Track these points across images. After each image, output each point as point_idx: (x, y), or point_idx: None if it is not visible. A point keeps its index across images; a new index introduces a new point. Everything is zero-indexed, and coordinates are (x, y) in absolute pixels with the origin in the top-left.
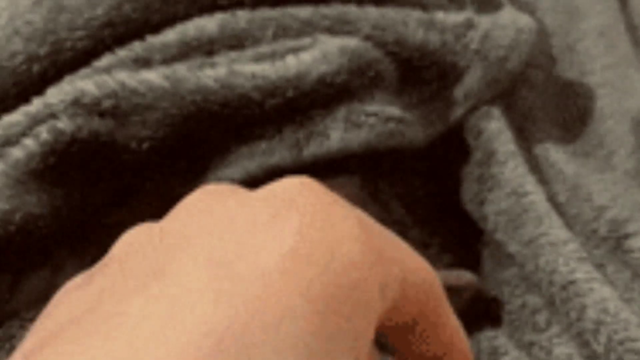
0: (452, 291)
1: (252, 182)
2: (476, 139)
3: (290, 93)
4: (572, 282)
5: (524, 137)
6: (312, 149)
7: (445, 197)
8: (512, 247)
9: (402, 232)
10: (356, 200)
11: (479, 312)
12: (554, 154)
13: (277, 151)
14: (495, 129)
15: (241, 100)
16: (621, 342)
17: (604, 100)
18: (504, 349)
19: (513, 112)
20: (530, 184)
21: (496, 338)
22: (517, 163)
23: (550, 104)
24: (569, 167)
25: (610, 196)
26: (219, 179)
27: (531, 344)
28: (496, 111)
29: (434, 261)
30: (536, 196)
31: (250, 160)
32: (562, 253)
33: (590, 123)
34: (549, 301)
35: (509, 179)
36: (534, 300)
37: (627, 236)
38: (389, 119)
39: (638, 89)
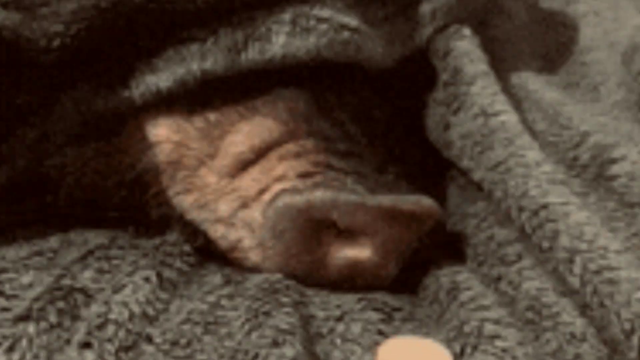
0: (411, 219)
1: (183, 90)
2: (443, 59)
3: None
4: (544, 207)
5: (501, 67)
6: (252, 55)
7: (409, 124)
8: (479, 174)
9: (356, 150)
10: (303, 114)
11: (440, 246)
12: (533, 83)
13: (210, 55)
14: (465, 48)
15: None
16: (597, 272)
17: (590, 30)
18: (467, 284)
19: (489, 42)
20: (500, 103)
21: (459, 273)
22: (487, 82)
23: (531, 34)
24: (549, 95)
25: (594, 123)
26: (144, 88)
27: (498, 279)
28: (467, 30)
29: (391, 188)
30: (507, 116)
31: (180, 65)
32: (534, 175)
33: (575, 53)
34: (520, 232)
35: (477, 98)
36: (502, 233)
37: (612, 161)
38: (342, 26)
39: (629, 19)
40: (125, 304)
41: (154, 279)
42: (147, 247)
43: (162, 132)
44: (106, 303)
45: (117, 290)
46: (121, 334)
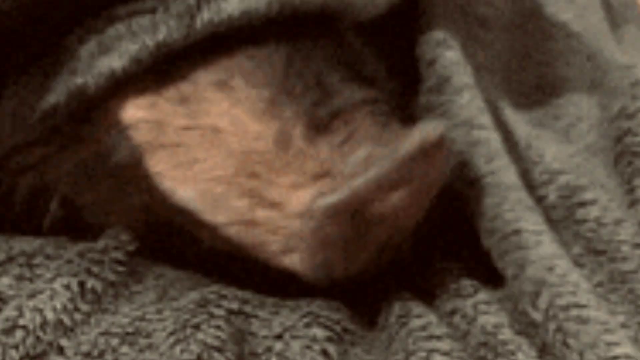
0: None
1: (140, 69)
2: (429, 67)
3: None
4: (516, 232)
5: None
6: (208, 16)
7: None
8: (456, 185)
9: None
10: (279, 75)
11: (396, 272)
12: (504, 114)
13: (162, 24)
14: (453, 58)
15: None
16: (565, 308)
17: (567, 69)
18: (418, 312)
19: None
20: (486, 118)
21: (411, 300)
22: (474, 95)
23: (505, 68)
24: (520, 129)
25: (567, 162)
26: (97, 72)
27: (452, 312)
28: (455, 43)
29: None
30: (491, 133)
31: (131, 40)
32: (509, 197)
33: (549, 92)
34: (486, 259)
35: (462, 108)
36: (459, 265)
37: (582, 204)
38: None
39: (612, 60)
40: (39, 310)
41: (75, 287)
42: (72, 253)
43: (134, 112)
44: (18, 308)
45: (32, 296)
46: (29, 341)
